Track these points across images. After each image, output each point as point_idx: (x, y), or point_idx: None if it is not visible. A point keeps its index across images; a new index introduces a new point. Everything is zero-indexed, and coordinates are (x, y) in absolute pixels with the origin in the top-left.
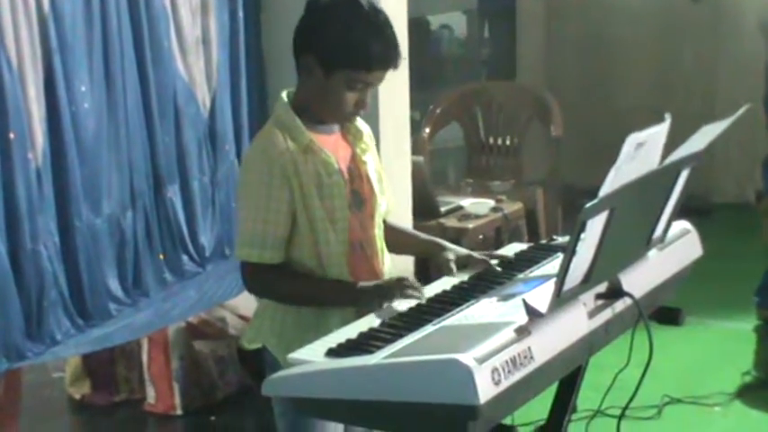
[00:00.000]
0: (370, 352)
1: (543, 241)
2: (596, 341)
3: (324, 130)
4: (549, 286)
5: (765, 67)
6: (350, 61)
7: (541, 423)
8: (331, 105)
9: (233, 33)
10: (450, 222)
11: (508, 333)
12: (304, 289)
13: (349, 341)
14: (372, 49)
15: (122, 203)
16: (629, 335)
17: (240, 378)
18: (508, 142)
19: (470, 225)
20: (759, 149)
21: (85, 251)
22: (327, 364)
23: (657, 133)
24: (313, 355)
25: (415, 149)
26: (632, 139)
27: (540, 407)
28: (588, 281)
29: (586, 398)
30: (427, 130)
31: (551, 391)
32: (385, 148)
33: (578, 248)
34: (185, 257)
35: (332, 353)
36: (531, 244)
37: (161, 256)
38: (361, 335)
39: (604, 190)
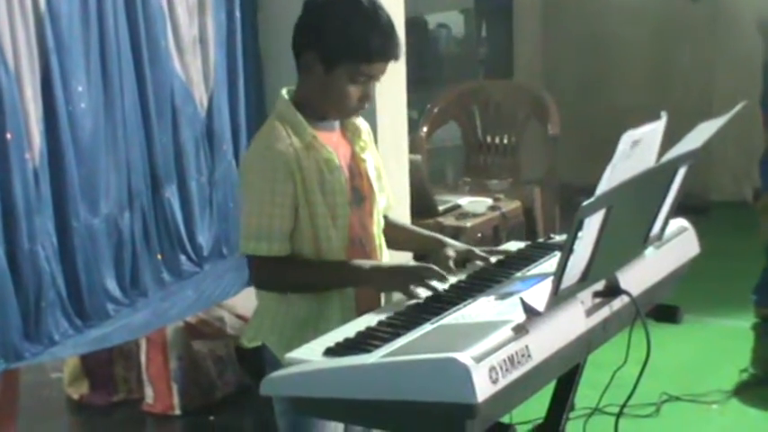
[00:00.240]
0: (368, 351)
1: (541, 240)
2: (594, 339)
3: (324, 127)
4: (547, 285)
5: (762, 65)
6: (351, 55)
7: (539, 421)
8: (334, 100)
9: (230, 33)
10: (449, 221)
11: (506, 332)
12: (316, 273)
13: (347, 340)
14: (372, 40)
15: (120, 203)
16: (627, 333)
17: (239, 378)
18: (506, 141)
19: (468, 224)
20: (756, 147)
21: (83, 251)
22: (325, 364)
23: (653, 131)
24: (311, 354)
25: (413, 148)
26: (628, 136)
27: (538, 405)
28: (586, 279)
29: (584, 396)
30: (425, 129)
31: (549, 389)
32: (383, 148)
33: (576, 247)
34: (183, 257)
35: (330, 352)
36: (529, 242)
37: (159, 256)
38: (359, 334)
39: (601, 188)
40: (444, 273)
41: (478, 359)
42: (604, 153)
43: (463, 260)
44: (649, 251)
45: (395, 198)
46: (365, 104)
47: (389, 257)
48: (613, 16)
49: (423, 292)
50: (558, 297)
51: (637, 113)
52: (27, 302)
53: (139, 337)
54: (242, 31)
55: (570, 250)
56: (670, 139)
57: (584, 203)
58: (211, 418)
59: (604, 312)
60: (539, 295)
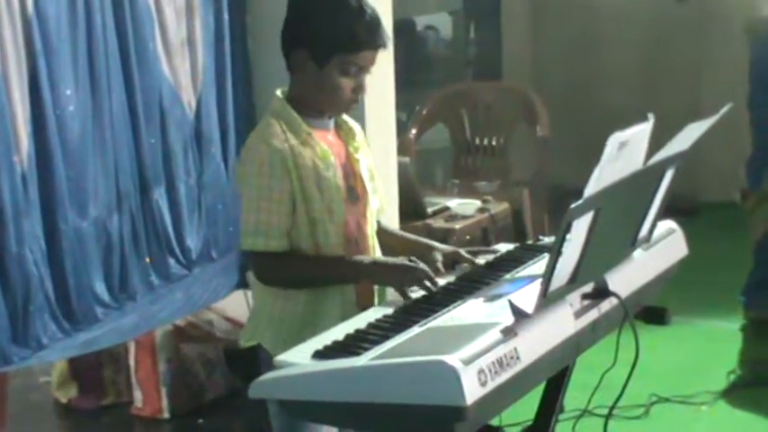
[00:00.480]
0: (357, 354)
1: (530, 241)
2: (583, 341)
3: (319, 125)
4: (536, 287)
5: (749, 66)
6: (339, 46)
7: (529, 423)
8: (329, 95)
9: (218, 35)
10: (437, 223)
11: (494, 334)
12: (315, 268)
13: (336, 343)
14: (358, 29)
15: (108, 206)
16: (616, 334)
17: (228, 381)
18: (494, 143)
19: (457, 225)
20: (744, 148)
21: (72, 255)
22: (314, 367)
23: (640, 132)
24: (300, 357)
25: (402, 150)
26: (615, 138)
27: (527, 407)
28: (574, 281)
29: (573, 398)
30: (413, 130)
31: (538, 391)
32: (371, 150)
33: (564, 249)
34: (172, 260)
35: (318, 355)
36: (518, 244)
37: (147, 260)
38: (348, 336)
39: (589, 190)
40: (433, 276)
41: (467, 361)
42: (593, 154)
43: (451, 262)
44: (638, 253)
45: (386, 201)
46: (359, 96)
47: None
48: (602, 18)
49: (415, 295)
50: (547, 299)
51: (625, 115)
52: (15, 306)
53: (128, 341)
54: (230, 34)
55: (559, 252)
56: (658, 141)
57: (573, 206)
58: (200, 421)
59: (593, 314)
60: (527, 297)
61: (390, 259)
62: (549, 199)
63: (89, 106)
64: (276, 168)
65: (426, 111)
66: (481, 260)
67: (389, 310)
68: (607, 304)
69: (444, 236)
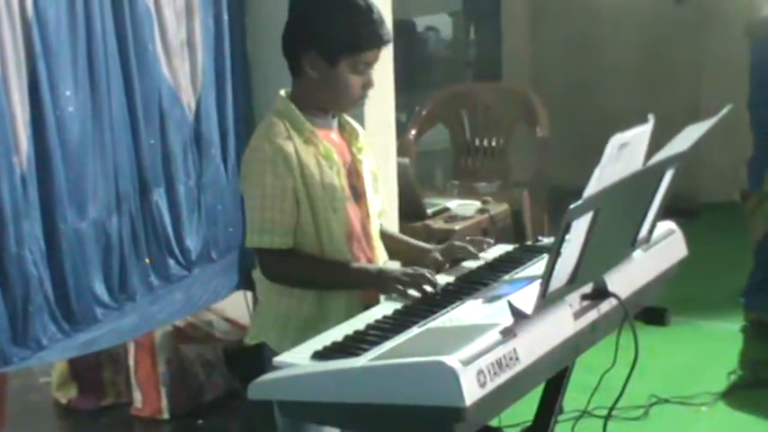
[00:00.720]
0: (356, 354)
1: (529, 242)
2: (582, 342)
3: (322, 125)
4: (535, 287)
5: (749, 67)
6: (351, 47)
7: (528, 424)
8: (342, 94)
9: (218, 36)
10: (437, 224)
11: (494, 335)
12: (321, 271)
13: (335, 344)
14: (368, 28)
15: (108, 207)
16: (615, 335)
17: (227, 381)
18: (494, 143)
19: (457, 226)
20: (744, 149)
21: (71, 255)
22: (313, 367)
23: (641, 134)
24: (299, 357)
25: (402, 151)
26: (615, 139)
27: (526, 408)
28: (574, 282)
29: (573, 399)
30: (413, 131)
31: (538, 392)
32: (371, 151)
33: (563, 249)
34: (171, 261)
35: (318, 356)
36: (517, 245)
37: (147, 260)
38: (347, 337)
39: (588, 191)
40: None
41: (466, 362)
42: (593, 155)
43: (449, 258)
44: (637, 254)
45: (386, 202)
46: (368, 91)
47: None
48: (601, 19)
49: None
50: (546, 300)
51: (625, 116)
52: (15, 307)
53: (128, 341)
54: (230, 35)
55: (558, 253)
56: (658, 142)
57: (572, 206)
58: (200, 421)
59: (592, 315)
60: (527, 298)
61: (396, 269)
62: (548, 200)
63: (89, 107)
64: (280, 167)
65: (426, 111)
66: (474, 249)
67: (389, 311)
68: (606, 305)
69: (444, 237)
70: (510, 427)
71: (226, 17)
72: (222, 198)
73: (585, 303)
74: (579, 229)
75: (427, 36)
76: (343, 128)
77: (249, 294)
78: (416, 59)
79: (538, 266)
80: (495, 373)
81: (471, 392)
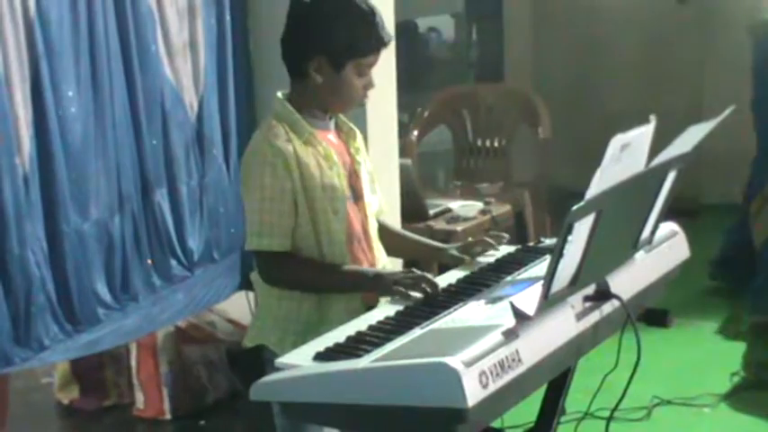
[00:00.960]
0: (359, 356)
1: (531, 243)
2: (584, 343)
3: (320, 126)
4: (537, 289)
5: (752, 68)
6: (358, 52)
7: (530, 426)
8: (346, 96)
9: (220, 37)
10: (439, 225)
11: (496, 336)
12: (319, 274)
13: (337, 345)
14: (373, 32)
15: (110, 208)
16: (618, 337)
17: (230, 382)
18: (496, 144)
19: (459, 227)
20: (747, 150)
21: (73, 256)
22: (315, 368)
23: (642, 134)
24: (301, 359)
25: (404, 152)
26: (617, 140)
27: (528, 409)
28: (576, 283)
29: (575, 400)
30: (415, 132)
31: (540, 393)
32: (373, 151)
33: (566, 251)
34: (174, 262)
35: (320, 357)
36: (519, 246)
37: (149, 261)
38: (350, 338)
39: (590, 192)
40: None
41: (469, 363)
42: (595, 156)
43: (467, 250)
44: (639, 255)
45: (386, 203)
46: (368, 90)
47: (385, 258)
48: (603, 20)
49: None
50: (549, 301)
51: (627, 116)
52: (17, 307)
53: (130, 342)
54: (232, 36)
55: (560, 254)
56: (660, 143)
57: (574, 207)
58: (202, 422)
59: (595, 317)
60: (529, 299)
61: (393, 271)
62: (550, 200)
63: (91, 108)
64: (279, 168)
65: (428, 112)
66: (491, 240)
67: (391, 312)
68: (609, 306)
69: (446, 238)
70: (512, 429)
71: (228, 18)
72: (224, 198)
73: (588, 305)
74: (581, 230)
75: (429, 37)
76: (340, 128)
77: (251, 295)
78: (419, 60)
79: (540, 268)
80: (497, 375)
81: (474, 394)
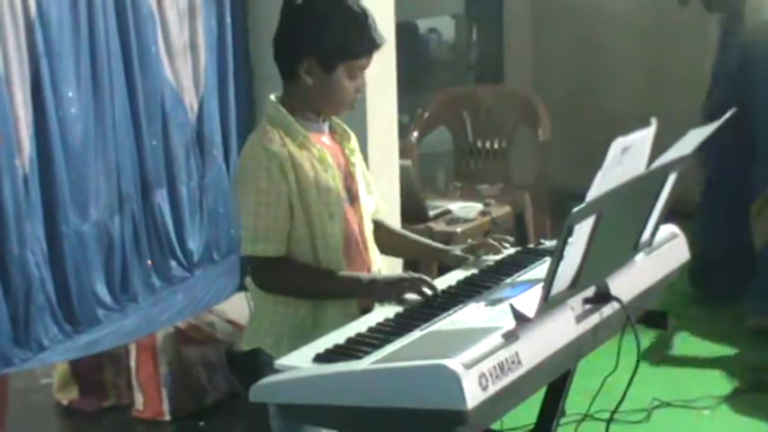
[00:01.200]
0: (358, 357)
1: (531, 245)
2: (584, 346)
3: (314, 129)
4: (537, 291)
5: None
6: (349, 54)
7: (530, 428)
8: (336, 98)
9: (220, 38)
10: (439, 226)
11: (496, 338)
12: (313, 280)
13: (337, 347)
14: (365, 34)
15: (110, 209)
16: (617, 339)
17: (229, 383)
18: (496, 146)
19: (459, 229)
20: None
21: (73, 257)
22: (315, 370)
23: (643, 137)
24: (301, 360)
25: (404, 153)
26: (617, 143)
27: (528, 412)
28: (576, 285)
29: (575, 402)
30: (415, 133)
31: (540, 395)
32: (373, 152)
33: (566, 253)
34: (173, 262)
35: (320, 358)
36: (519, 248)
37: (149, 262)
38: (349, 340)
39: (591, 194)
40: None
41: (468, 366)
42: (595, 158)
43: (474, 251)
44: (639, 257)
45: (383, 203)
46: (359, 92)
47: (381, 259)
48: (604, 21)
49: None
50: (549, 303)
51: (627, 118)
52: (16, 308)
53: (129, 343)
54: (232, 37)
55: (560, 256)
56: (661, 145)
57: (574, 210)
58: (201, 423)
59: (594, 319)
60: (529, 301)
61: (387, 276)
62: (550, 202)
63: (91, 109)
64: (274, 173)
65: (428, 114)
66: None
67: (391, 314)
68: (609, 309)
69: (446, 239)
70: (512, 431)
71: (228, 19)
72: (224, 199)
73: (588, 307)
74: (582, 232)
75: (429, 38)
76: (334, 131)
77: (251, 296)
78: (419, 62)
79: (540, 269)
80: (497, 377)
81: (473, 396)
